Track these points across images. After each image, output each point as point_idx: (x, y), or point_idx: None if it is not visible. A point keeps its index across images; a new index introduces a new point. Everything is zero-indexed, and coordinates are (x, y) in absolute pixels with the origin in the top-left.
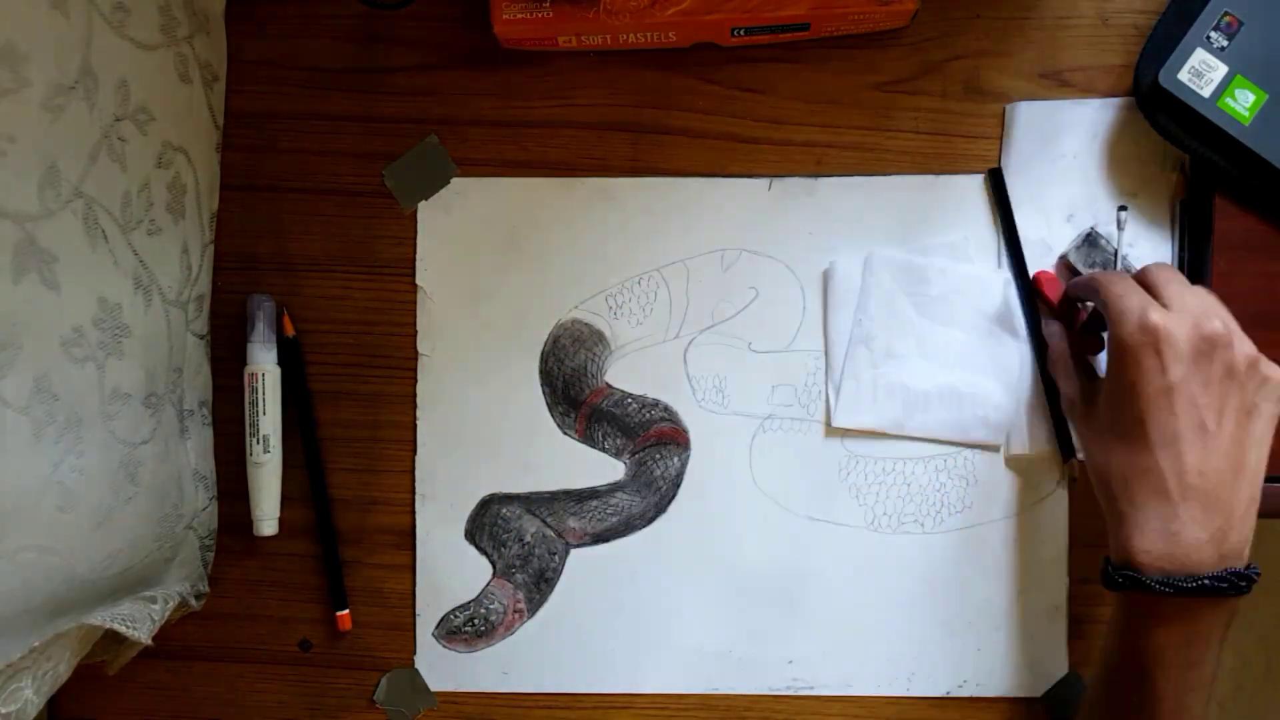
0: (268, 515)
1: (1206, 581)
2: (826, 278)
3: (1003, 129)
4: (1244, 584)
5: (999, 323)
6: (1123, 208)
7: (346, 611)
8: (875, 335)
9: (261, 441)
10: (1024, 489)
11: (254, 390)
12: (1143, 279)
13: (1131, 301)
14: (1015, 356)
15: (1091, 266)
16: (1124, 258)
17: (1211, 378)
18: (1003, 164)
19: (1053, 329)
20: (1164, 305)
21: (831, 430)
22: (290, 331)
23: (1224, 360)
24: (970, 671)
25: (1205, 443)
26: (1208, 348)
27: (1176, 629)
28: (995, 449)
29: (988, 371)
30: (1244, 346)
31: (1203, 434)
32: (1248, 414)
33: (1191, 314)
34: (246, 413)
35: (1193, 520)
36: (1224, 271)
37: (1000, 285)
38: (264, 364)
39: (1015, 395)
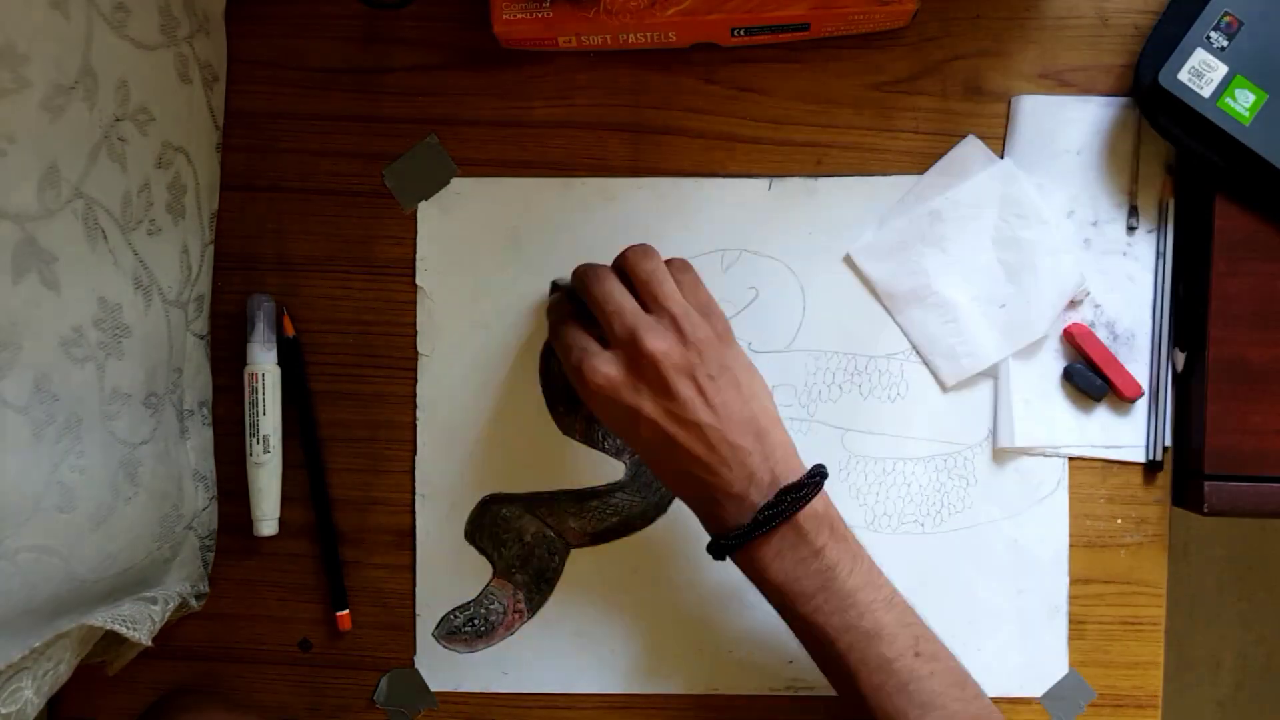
0: (268, 516)
1: (760, 514)
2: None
3: (1006, 122)
4: (799, 493)
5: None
6: (1132, 208)
7: (346, 611)
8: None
9: (262, 441)
10: (1024, 489)
11: (254, 390)
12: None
13: (573, 356)
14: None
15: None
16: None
17: (672, 387)
18: (1005, 156)
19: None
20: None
21: (832, 429)
22: (290, 331)
23: (670, 366)
24: (970, 671)
25: (708, 434)
26: (651, 367)
27: (779, 560)
28: (942, 384)
29: (987, 313)
30: (677, 339)
31: (699, 431)
32: (714, 379)
33: (623, 343)
34: (246, 413)
35: (734, 482)
36: (1224, 271)
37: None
38: (264, 364)
39: (999, 352)
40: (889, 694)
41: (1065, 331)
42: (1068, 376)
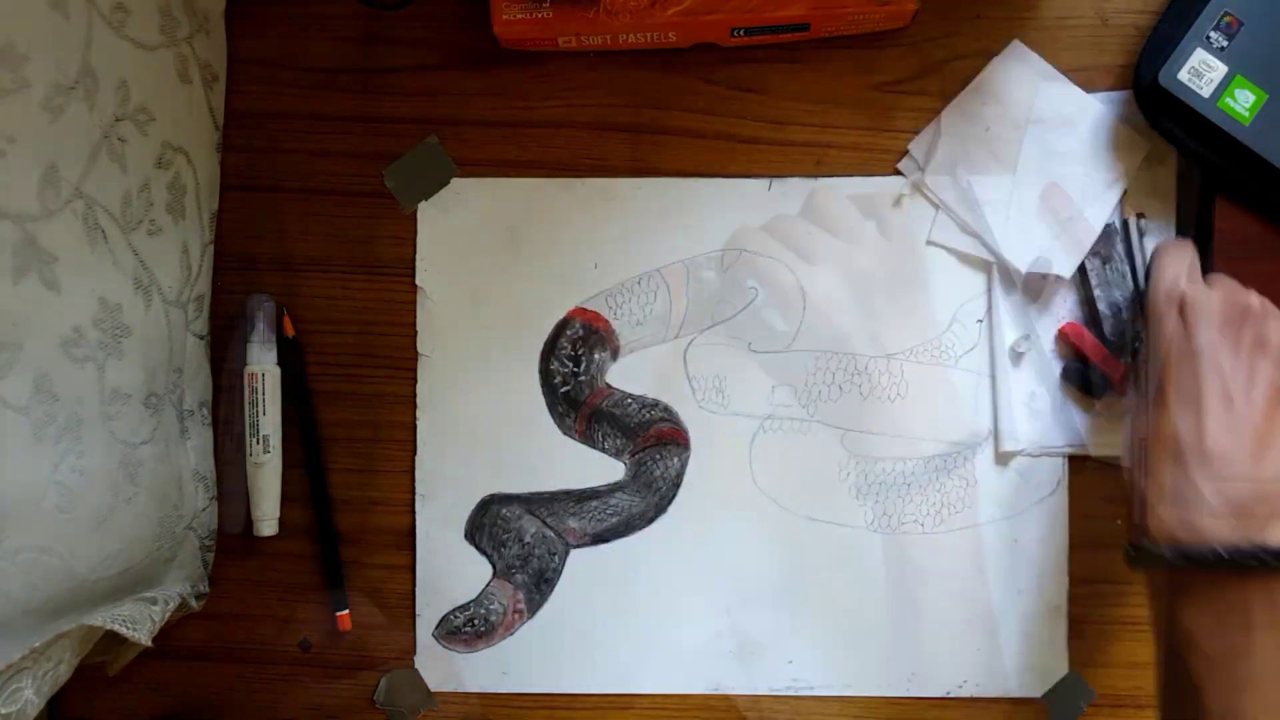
0: (268, 516)
1: (1221, 550)
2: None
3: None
4: (1274, 560)
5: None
6: (1140, 215)
7: (346, 612)
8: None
9: (261, 441)
10: (1024, 489)
11: (254, 390)
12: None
13: (1168, 270)
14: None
15: (1106, 283)
16: (1136, 271)
17: (1241, 347)
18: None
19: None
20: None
21: (831, 430)
22: (290, 332)
23: (1255, 331)
24: (970, 672)
25: (1229, 411)
26: (1238, 317)
27: (1204, 609)
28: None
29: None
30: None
31: (1227, 403)
32: (1277, 389)
33: (1226, 286)
34: (246, 413)
35: (1207, 488)
36: (1223, 271)
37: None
38: (264, 364)
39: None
40: None
41: (1059, 331)
42: (1066, 375)
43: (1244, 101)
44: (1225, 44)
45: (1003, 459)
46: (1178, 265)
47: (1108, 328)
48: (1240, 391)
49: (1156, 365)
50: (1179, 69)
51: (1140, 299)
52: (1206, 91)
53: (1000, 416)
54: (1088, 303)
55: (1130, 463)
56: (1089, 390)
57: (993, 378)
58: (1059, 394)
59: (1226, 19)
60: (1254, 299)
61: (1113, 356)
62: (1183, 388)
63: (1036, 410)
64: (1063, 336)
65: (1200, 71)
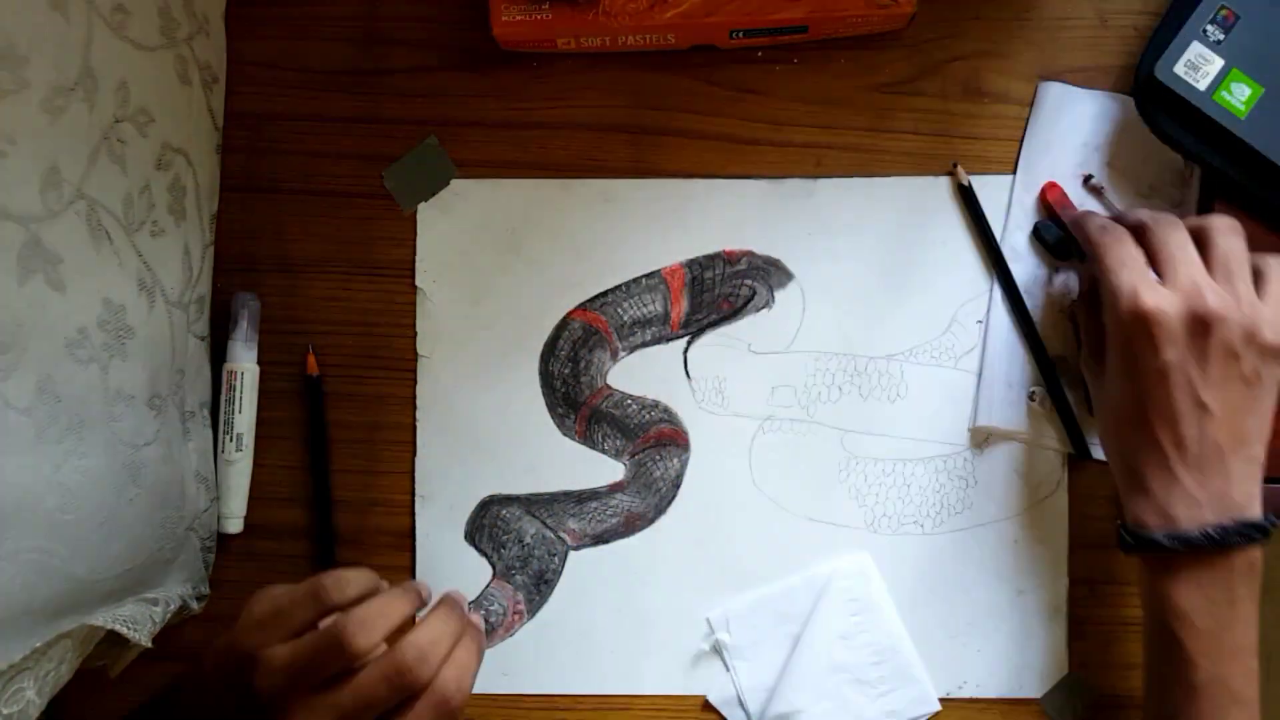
0: (235, 514)
1: (1211, 531)
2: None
3: (1030, 109)
4: (1255, 532)
5: None
6: (1089, 176)
7: None
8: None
9: (235, 439)
10: (1024, 489)
11: (232, 388)
12: (1142, 239)
13: (1124, 279)
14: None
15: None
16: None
17: (1209, 356)
18: (1024, 143)
19: (1062, 279)
20: (1161, 275)
21: (831, 430)
22: (314, 370)
23: (1221, 338)
24: (970, 672)
25: (1205, 416)
26: (1202, 328)
27: (1195, 589)
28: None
29: None
30: (1242, 317)
31: (1200, 411)
32: (1248, 383)
33: (1185, 290)
34: (222, 409)
35: (1194, 486)
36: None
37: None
38: (244, 362)
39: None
40: None
41: (1042, 190)
42: (1037, 234)
43: (1240, 95)
44: (1222, 38)
45: (1003, 459)
46: (1131, 271)
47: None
48: (1214, 397)
49: (1123, 376)
50: (1175, 62)
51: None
52: (1203, 85)
53: (981, 396)
54: (1091, 279)
55: (1111, 456)
56: (1054, 252)
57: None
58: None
59: (1223, 13)
60: (1211, 298)
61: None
62: (1158, 403)
63: (1017, 395)
64: (1043, 196)
65: (1196, 65)
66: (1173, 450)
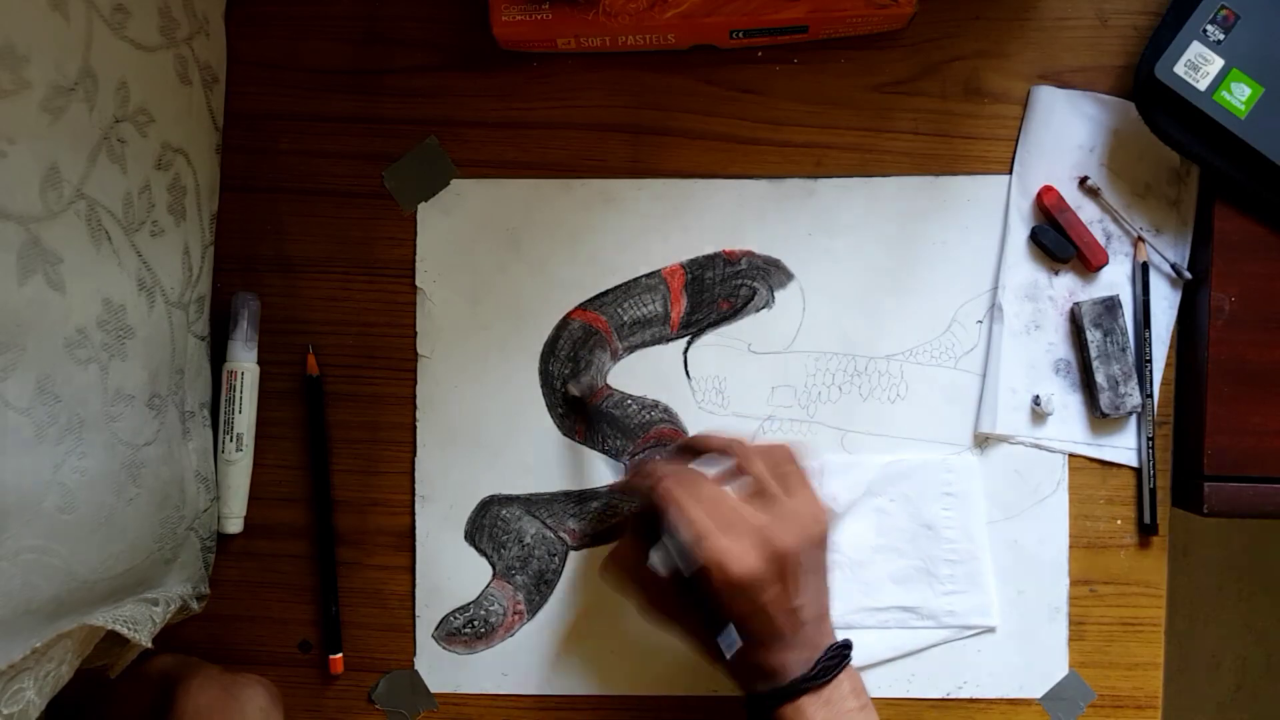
0: (235, 514)
1: (822, 659)
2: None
3: (1023, 112)
4: (844, 649)
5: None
6: (1085, 179)
7: (340, 656)
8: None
9: (235, 439)
10: (1024, 489)
11: (232, 388)
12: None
13: (687, 534)
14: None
15: (1105, 356)
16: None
17: (790, 581)
18: (1018, 148)
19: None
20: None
21: (831, 430)
22: (314, 371)
23: (792, 569)
24: (970, 672)
25: (797, 614)
26: (775, 570)
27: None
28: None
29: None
30: (806, 539)
31: (793, 614)
32: (818, 571)
33: (755, 539)
34: (222, 409)
35: (798, 658)
36: (1223, 271)
37: None
38: (244, 362)
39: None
40: None
41: (1039, 193)
42: (1035, 238)
43: (1240, 95)
44: (1222, 38)
45: (1003, 460)
46: (690, 527)
47: (1103, 401)
48: (801, 599)
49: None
50: (1175, 62)
51: (1139, 356)
52: (1203, 85)
53: (985, 401)
54: (1084, 369)
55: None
56: (1052, 255)
57: (984, 360)
58: (1044, 388)
59: (1223, 13)
60: (785, 540)
61: (1085, 227)
62: (764, 629)
63: (1021, 400)
64: (1040, 200)
65: (1196, 65)
66: (778, 642)
